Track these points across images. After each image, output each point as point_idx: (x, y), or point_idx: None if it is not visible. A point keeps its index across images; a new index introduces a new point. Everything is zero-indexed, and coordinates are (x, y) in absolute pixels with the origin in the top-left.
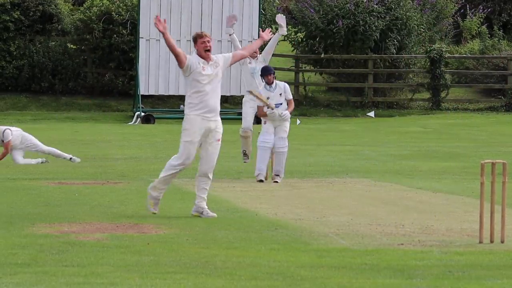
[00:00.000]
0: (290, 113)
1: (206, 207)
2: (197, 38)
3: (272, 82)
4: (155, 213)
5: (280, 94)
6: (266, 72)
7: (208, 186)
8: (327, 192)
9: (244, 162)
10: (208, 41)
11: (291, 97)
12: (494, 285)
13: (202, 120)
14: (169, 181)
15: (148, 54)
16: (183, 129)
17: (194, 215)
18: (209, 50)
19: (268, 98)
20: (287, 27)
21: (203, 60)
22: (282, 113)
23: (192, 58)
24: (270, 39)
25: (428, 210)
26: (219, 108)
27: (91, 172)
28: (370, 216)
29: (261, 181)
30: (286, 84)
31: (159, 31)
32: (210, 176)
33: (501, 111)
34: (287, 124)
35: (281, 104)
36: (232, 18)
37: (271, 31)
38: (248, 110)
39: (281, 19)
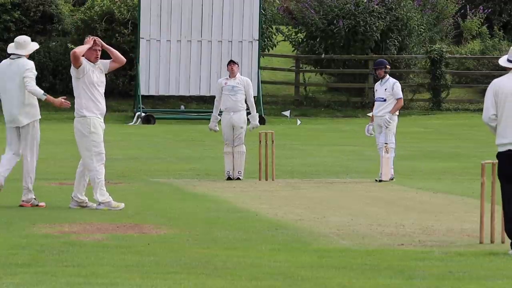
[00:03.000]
0: (393, 112)
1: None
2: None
3: (383, 77)
4: (123, 206)
5: (385, 89)
6: (375, 66)
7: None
8: (327, 192)
9: (226, 179)
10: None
11: (397, 96)
12: (495, 285)
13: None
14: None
15: (148, 54)
16: (90, 133)
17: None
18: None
19: (376, 90)
20: (287, 27)
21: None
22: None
23: None
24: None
25: (428, 210)
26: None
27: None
28: (370, 216)
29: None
30: (397, 83)
31: None
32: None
33: None
34: (389, 125)
35: (383, 99)
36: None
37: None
38: (226, 129)
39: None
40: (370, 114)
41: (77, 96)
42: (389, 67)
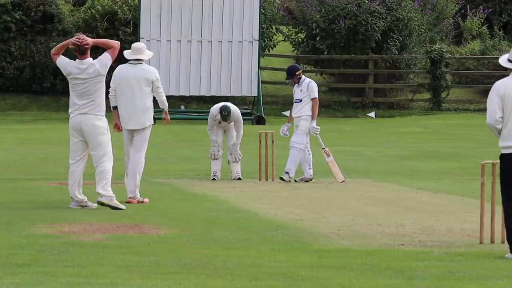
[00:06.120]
0: (314, 117)
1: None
2: None
3: (299, 80)
4: (124, 207)
5: (301, 90)
6: (289, 76)
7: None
8: (327, 192)
9: (212, 179)
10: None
11: (312, 95)
12: (495, 285)
13: None
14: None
15: None
16: (108, 131)
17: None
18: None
19: (294, 92)
20: (287, 27)
21: None
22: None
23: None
24: None
25: (428, 210)
26: None
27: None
28: (370, 216)
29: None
30: (312, 83)
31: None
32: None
33: None
34: (303, 123)
35: (300, 100)
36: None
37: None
38: (217, 132)
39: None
40: (370, 115)
41: (99, 96)
42: (299, 71)
